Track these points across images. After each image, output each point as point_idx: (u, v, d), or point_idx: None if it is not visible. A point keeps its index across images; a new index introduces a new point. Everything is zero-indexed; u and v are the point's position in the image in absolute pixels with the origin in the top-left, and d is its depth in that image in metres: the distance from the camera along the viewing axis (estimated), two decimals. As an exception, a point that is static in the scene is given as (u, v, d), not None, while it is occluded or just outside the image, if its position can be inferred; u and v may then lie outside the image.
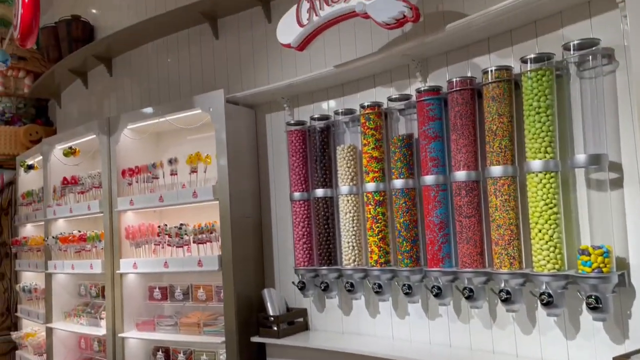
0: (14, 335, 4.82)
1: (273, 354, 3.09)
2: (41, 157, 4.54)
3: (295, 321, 3.17)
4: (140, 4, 4.22)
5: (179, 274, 3.39)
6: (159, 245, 3.47)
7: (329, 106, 3.12)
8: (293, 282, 3.10)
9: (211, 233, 3.24)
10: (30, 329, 4.83)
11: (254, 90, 3.25)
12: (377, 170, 2.67)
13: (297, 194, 3.07)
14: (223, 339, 3.09)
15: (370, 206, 2.68)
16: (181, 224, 3.32)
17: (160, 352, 3.57)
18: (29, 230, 5.13)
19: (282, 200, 3.31)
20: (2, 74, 5.42)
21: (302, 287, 3.03)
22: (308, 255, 3.04)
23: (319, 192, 2.95)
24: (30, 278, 5.00)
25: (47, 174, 4.36)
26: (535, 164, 2.04)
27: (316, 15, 2.32)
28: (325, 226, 2.95)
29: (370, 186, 2.67)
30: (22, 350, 4.82)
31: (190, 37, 3.87)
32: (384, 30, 2.46)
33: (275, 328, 3.04)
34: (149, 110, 3.58)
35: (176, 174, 3.41)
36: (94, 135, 3.86)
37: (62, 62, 4.61)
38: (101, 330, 3.72)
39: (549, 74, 2.05)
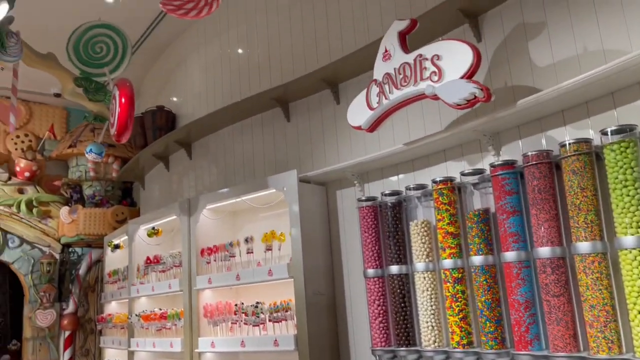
0: (97, 412, 4.93)
1: None
2: (127, 237, 4.83)
3: (375, 405, 3.04)
4: (217, 92, 4.56)
5: (255, 353, 3.40)
6: (236, 323, 3.51)
7: (399, 181, 3.15)
8: (372, 363, 3.01)
9: (286, 311, 3.25)
10: (112, 406, 4.94)
11: (326, 169, 3.34)
12: (453, 246, 2.61)
13: (370, 271, 3.04)
14: (300, 423, 3.01)
15: (448, 284, 2.60)
16: (257, 303, 3.36)
17: None
18: (113, 307, 5.37)
19: (356, 276, 3.29)
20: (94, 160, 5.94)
21: (387, 368, 2.93)
22: (385, 335, 2.96)
23: (394, 268, 2.92)
24: (113, 355, 5.17)
25: (132, 253, 4.61)
26: (628, 240, 1.93)
27: (386, 98, 2.41)
28: (402, 304, 2.88)
29: (448, 263, 2.60)
30: None
31: (263, 121, 4.09)
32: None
33: (354, 413, 2.93)
34: (225, 191, 3.76)
35: (252, 252, 3.50)
36: (175, 216, 4.08)
37: (147, 149, 5.00)
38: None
39: (633, 145, 1.98)
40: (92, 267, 6.10)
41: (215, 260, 3.71)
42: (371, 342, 3.00)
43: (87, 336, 5.94)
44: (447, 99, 2.10)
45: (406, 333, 2.84)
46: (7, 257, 5.67)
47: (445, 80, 2.13)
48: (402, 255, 2.92)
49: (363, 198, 3.17)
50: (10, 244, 5.73)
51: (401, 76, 2.36)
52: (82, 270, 6.01)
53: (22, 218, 5.78)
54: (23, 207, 5.71)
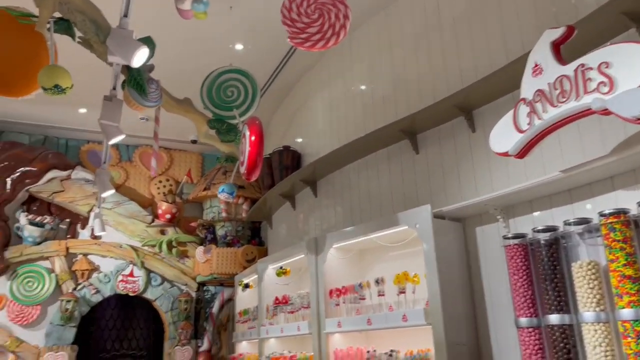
0: None
1: None
2: (256, 276, 4.86)
3: None
4: (341, 129, 4.49)
5: None
6: (369, 372, 3.26)
7: (553, 216, 2.73)
8: None
9: (424, 362, 2.93)
10: None
11: (463, 204, 3.02)
12: (633, 292, 2.14)
13: (523, 320, 2.62)
14: None
15: (629, 339, 2.12)
16: (391, 351, 3.09)
17: None
18: (244, 347, 5.41)
19: (503, 325, 2.88)
20: (226, 202, 6.18)
21: None
22: (546, 397, 2.50)
23: (553, 318, 2.48)
24: (244, 396, 5.16)
25: (261, 293, 4.61)
26: None
27: (539, 118, 2.09)
28: (567, 361, 2.42)
29: (627, 313, 2.13)
30: None
31: (389, 155, 3.91)
32: (619, 124, 2.09)
33: None
34: (353, 229, 3.59)
35: (383, 295, 3.26)
36: (303, 255, 3.99)
37: (274, 189, 5.06)
38: None
39: None
40: (224, 306, 6.27)
41: (344, 302, 3.52)
42: (529, 406, 2.56)
43: (220, 375, 6.04)
44: (623, 112, 1.74)
45: (574, 397, 2.37)
46: (150, 294, 6.04)
47: (619, 91, 1.76)
48: (564, 302, 2.48)
49: (510, 235, 2.79)
50: (153, 282, 6.11)
51: (558, 91, 2.02)
52: (215, 308, 6.19)
53: (163, 258, 6.16)
54: (164, 247, 6.08)
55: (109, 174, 3.49)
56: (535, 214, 2.82)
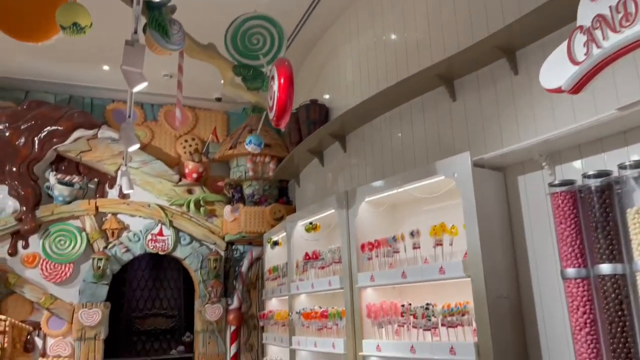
0: (262, 408, 4.97)
1: None
2: (285, 233, 4.79)
3: None
4: (371, 79, 4.29)
5: None
6: (403, 326, 3.17)
7: (605, 160, 2.53)
8: (576, 386, 2.44)
9: (463, 315, 2.82)
10: (276, 403, 4.93)
11: (505, 150, 2.84)
12: (698, 237, 1.96)
13: (571, 271, 2.48)
14: None
15: (692, 288, 1.96)
16: (427, 304, 2.98)
17: None
18: (274, 304, 5.40)
19: (548, 277, 2.74)
20: (252, 160, 6.10)
21: (590, 393, 2.35)
22: (595, 351, 2.37)
23: (605, 268, 2.32)
24: (276, 352, 5.18)
25: (290, 250, 4.55)
26: None
27: (598, 47, 1.88)
28: (619, 313, 2.27)
29: (691, 260, 1.96)
30: None
31: (424, 104, 3.71)
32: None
33: None
34: (385, 181, 3.45)
35: (419, 248, 3.14)
36: (333, 210, 3.88)
37: (301, 145, 4.92)
38: (344, 416, 3.51)
39: None
40: (253, 265, 6.26)
41: (377, 256, 3.41)
42: (575, 358, 2.43)
43: (251, 332, 6.10)
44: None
45: (626, 350, 2.23)
46: (179, 253, 6.06)
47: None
48: (616, 251, 2.31)
49: (557, 182, 2.61)
50: (182, 241, 6.12)
51: (621, 15, 1.81)
52: (244, 267, 6.19)
53: (191, 217, 6.15)
54: (192, 206, 6.06)
55: (134, 128, 3.39)
56: (584, 159, 2.63)
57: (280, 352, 5.05)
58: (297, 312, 4.20)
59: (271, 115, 2.50)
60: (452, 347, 2.78)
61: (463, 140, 3.33)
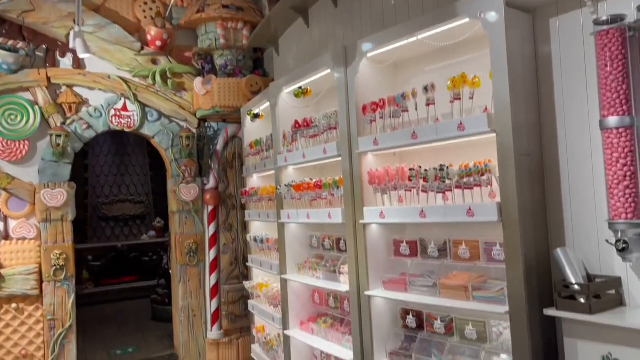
0: (247, 285, 4.86)
1: (574, 333, 2.33)
2: (268, 104, 4.36)
3: (604, 293, 2.35)
4: None
5: (439, 225, 2.82)
6: (410, 191, 2.92)
7: (665, -10, 2.15)
8: (607, 241, 2.28)
9: (482, 175, 2.56)
10: (261, 279, 4.83)
11: (543, -17, 2.41)
12: None
13: (613, 120, 2.21)
14: (506, 308, 2.43)
15: None
16: (442, 166, 2.70)
17: (410, 316, 3.07)
18: (255, 181, 5.11)
19: (576, 132, 2.48)
20: (223, 26, 5.43)
21: (624, 248, 2.19)
22: (633, 205, 2.18)
23: (656, 114, 2.05)
24: (259, 228, 4.99)
25: (276, 119, 4.15)
26: None
27: None
28: (669, 162, 2.04)
29: None
30: (255, 300, 4.85)
31: (435, -61, 3.16)
32: None
33: (584, 301, 2.27)
34: (393, 30, 2.99)
35: (433, 104, 2.79)
36: (328, 71, 3.44)
37: (282, 2, 4.31)
38: (342, 287, 3.37)
39: None
40: (229, 143, 5.87)
41: (381, 118, 3.06)
42: (609, 213, 2.24)
43: (229, 211, 5.86)
44: None
45: (672, 201, 2.03)
46: (147, 130, 5.56)
47: None
48: (673, 94, 2.03)
49: (603, 19, 2.25)
50: (149, 118, 5.59)
51: None
52: (219, 146, 5.79)
53: (157, 91, 5.57)
54: (158, 78, 5.46)
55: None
56: (637, -5, 2.24)
57: (265, 228, 4.86)
58: (286, 185, 3.90)
59: None
60: (469, 209, 2.55)
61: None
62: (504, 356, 2.57)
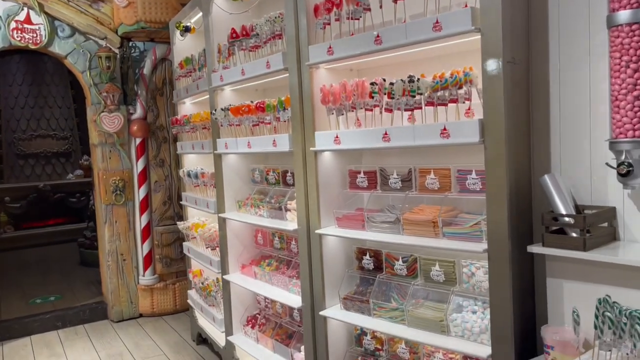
0: (181, 225, 4.33)
1: (561, 273, 2.00)
2: (200, 14, 3.67)
3: (596, 227, 2.01)
4: None
5: (406, 149, 2.37)
6: (371, 110, 2.43)
7: None
8: (608, 164, 1.91)
9: (460, 88, 2.10)
10: (197, 219, 4.30)
11: None
12: None
13: (624, 14, 1.77)
14: (484, 245, 2.04)
15: None
16: (411, 76, 2.21)
17: (367, 257, 2.67)
18: (187, 108, 4.46)
19: (573, 31, 2.04)
20: None
21: (629, 171, 1.82)
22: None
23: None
24: (193, 162, 4.40)
25: (209, 30, 3.48)
26: None
27: None
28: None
29: None
30: (190, 242, 4.34)
31: None
32: None
33: (576, 235, 1.91)
34: None
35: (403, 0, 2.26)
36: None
37: None
38: (289, 225, 2.91)
39: None
40: (158, 67, 5.13)
41: (337, 20, 2.50)
42: (611, 131, 1.86)
43: (160, 145, 5.21)
44: None
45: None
46: (58, 48, 4.72)
47: None
48: None
49: None
50: (60, 33, 4.74)
51: None
52: (146, 69, 5.05)
53: (69, 1, 4.70)
54: (67, -16, 4.57)
55: None
56: None
57: (201, 162, 4.28)
58: (222, 109, 3.32)
59: None
60: (444, 129, 2.10)
61: None
62: (476, 301, 2.23)
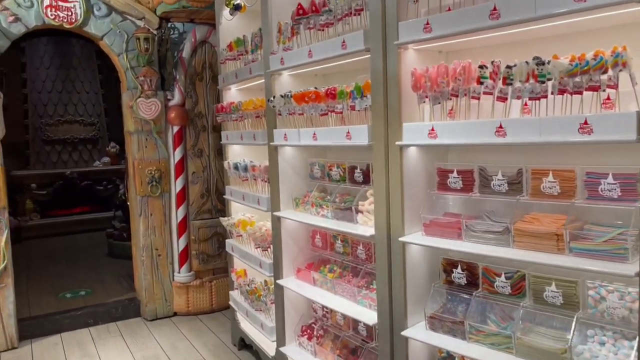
0: (225, 222, 3.99)
1: None
2: (254, -11, 3.30)
3: None
4: None
5: (496, 149, 2.00)
6: (478, 98, 2.04)
7: None
8: None
9: (604, 73, 1.71)
10: (242, 214, 3.96)
11: None
12: None
13: None
14: (635, 268, 1.65)
15: None
16: (537, 58, 1.82)
17: (459, 270, 2.30)
18: (233, 95, 4.11)
19: None
20: None
21: None
22: None
23: None
24: (239, 154, 4.05)
25: (267, 6, 3.11)
26: None
27: None
28: None
29: None
30: (234, 240, 4.00)
31: None
32: None
33: None
34: None
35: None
36: None
37: None
38: (361, 229, 2.55)
39: None
40: (197, 50, 4.78)
41: (438, -8, 2.11)
42: None
43: (199, 134, 4.88)
44: None
45: None
46: (94, 28, 4.40)
47: None
48: None
49: None
50: (96, 12, 4.42)
51: None
52: (185, 52, 4.71)
53: (105, -24, 4.37)
54: (106, -42, 4.24)
55: None
56: None
57: (248, 153, 3.94)
58: (282, 96, 2.95)
59: None
60: (585, 122, 1.70)
61: None
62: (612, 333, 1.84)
